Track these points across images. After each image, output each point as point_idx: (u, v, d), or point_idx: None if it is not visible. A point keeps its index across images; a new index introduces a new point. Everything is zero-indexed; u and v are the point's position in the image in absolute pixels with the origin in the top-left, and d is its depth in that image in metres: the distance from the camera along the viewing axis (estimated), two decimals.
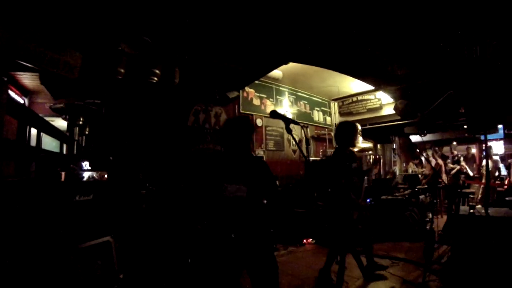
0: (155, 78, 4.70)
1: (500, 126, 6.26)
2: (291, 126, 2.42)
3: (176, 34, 4.42)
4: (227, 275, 2.28)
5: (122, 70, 4.37)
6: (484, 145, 6.11)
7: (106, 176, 3.23)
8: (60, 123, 4.31)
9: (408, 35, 4.42)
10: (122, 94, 4.59)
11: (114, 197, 3.23)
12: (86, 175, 3.08)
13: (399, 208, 5.73)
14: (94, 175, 3.13)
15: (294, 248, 5.45)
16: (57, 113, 4.06)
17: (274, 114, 2.48)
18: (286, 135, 8.45)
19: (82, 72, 3.91)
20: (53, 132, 3.44)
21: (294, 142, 8.20)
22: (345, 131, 3.88)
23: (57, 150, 3.78)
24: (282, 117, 2.45)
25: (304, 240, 5.73)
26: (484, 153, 7.68)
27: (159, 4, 3.74)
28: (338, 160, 3.77)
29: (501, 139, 8.19)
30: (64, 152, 3.77)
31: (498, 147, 9.28)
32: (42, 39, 3.51)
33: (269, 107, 8.13)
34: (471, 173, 8.94)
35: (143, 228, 3.47)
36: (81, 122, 3.94)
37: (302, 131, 4.65)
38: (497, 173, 7.94)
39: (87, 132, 4.09)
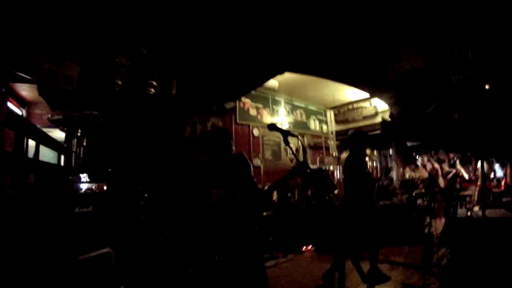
0: (152, 90, 4.74)
1: None
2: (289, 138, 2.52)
3: (174, 44, 4.48)
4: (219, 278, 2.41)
5: (120, 82, 4.41)
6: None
7: (105, 187, 3.24)
8: (58, 134, 4.31)
9: (404, 40, 4.51)
10: (120, 106, 4.61)
11: (113, 208, 3.24)
12: (85, 187, 3.09)
13: (398, 213, 5.75)
14: (93, 187, 3.14)
15: (293, 256, 5.44)
16: (55, 124, 4.07)
17: (272, 127, 2.56)
18: (283, 144, 8.47)
19: (80, 83, 3.94)
20: (51, 143, 3.45)
21: (291, 151, 8.20)
22: (359, 140, 4.11)
23: (54, 161, 3.78)
24: (280, 130, 2.55)
25: (304, 248, 5.73)
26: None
27: (157, 15, 3.80)
28: (353, 165, 3.93)
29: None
30: (62, 163, 3.78)
31: None
32: (41, 51, 3.55)
33: (266, 116, 8.17)
34: (466, 176, 8.98)
35: (142, 238, 3.46)
36: (79, 134, 3.96)
37: (299, 140, 4.72)
38: (492, 175, 8.00)
39: (85, 144, 4.09)
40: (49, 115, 4.05)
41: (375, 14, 3.88)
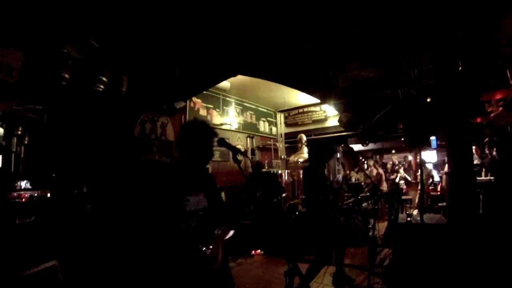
0: (102, 86, 4.46)
1: (433, 137, 6.96)
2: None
3: (126, 39, 4.25)
4: None
5: (67, 76, 4.09)
6: (418, 158, 6.73)
7: (48, 195, 2.99)
8: None
9: (355, 52, 4.70)
10: (66, 101, 4.29)
11: (58, 216, 3.00)
12: (26, 195, 2.82)
13: (344, 216, 5.98)
14: (36, 194, 2.88)
15: (243, 260, 5.45)
16: None
17: (222, 143, 2.42)
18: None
19: (23, 74, 3.60)
20: None
21: (239, 167, 8.09)
22: (321, 151, 3.98)
23: None
24: (230, 147, 2.39)
25: (253, 252, 5.76)
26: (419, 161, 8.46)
27: (110, 6, 3.56)
28: (315, 178, 3.85)
29: (434, 149, 9.04)
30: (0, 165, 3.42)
31: (432, 156, 10.17)
32: None
33: (216, 117, 8.10)
34: (409, 178, 9.91)
35: (90, 245, 3.27)
36: (20, 132, 3.60)
37: (247, 141, 4.68)
38: (430, 180, 8.79)
39: (26, 142, 3.74)
40: None
41: (327, 24, 3.97)
